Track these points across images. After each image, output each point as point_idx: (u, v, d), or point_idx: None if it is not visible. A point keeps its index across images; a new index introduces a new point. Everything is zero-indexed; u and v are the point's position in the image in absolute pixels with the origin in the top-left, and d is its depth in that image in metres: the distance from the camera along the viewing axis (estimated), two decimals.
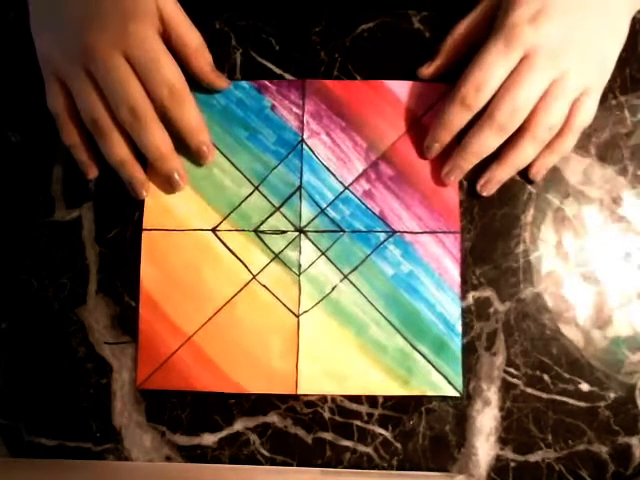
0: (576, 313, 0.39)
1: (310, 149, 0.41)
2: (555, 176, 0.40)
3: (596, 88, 0.37)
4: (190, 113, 0.37)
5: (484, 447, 0.38)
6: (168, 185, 0.40)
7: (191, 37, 0.38)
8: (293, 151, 0.41)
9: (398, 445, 0.38)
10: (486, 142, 0.37)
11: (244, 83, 0.41)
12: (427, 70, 0.40)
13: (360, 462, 0.38)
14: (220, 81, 0.40)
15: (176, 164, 0.39)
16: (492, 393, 0.38)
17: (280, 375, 0.38)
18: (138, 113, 0.36)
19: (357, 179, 0.40)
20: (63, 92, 0.38)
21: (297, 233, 0.40)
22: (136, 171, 0.39)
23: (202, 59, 0.39)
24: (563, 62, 0.35)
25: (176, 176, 0.39)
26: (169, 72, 0.36)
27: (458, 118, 0.37)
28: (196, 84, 0.40)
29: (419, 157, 0.40)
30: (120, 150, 0.37)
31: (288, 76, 0.42)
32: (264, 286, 0.39)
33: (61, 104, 0.38)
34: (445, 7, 0.41)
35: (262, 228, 0.40)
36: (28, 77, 0.40)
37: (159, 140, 0.37)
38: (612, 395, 0.38)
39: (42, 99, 0.39)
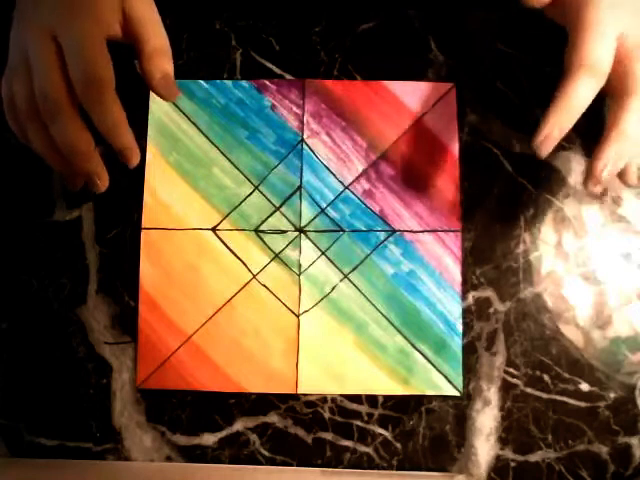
0: (576, 313, 0.39)
1: (310, 149, 0.41)
2: (555, 176, 0.40)
3: None
4: (108, 113, 0.33)
5: (484, 447, 0.38)
6: (79, 183, 0.37)
7: (151, 38, 0.35)
8: (293, 151, 0.41)
9: (398, 445, 0.38)
10: (582, 91, 0.32)
11: (244, 83, 0.41)
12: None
13: (360, 462, 0.38)
14: (166, 92, 0.36)
15: (93, 165, 0.35)
16: (492, 393, 0.38)
17: (280, 375, 0.39)
18: (49, 103, 0.33)
19: (357, 179, 0.40)
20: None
21: (297, 233, 0.40)
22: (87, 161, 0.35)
23: (155, 63, 0.35)
24: None
25: (95, 178, 0.35)
26: (90, 65, 0.33)
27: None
28: (195, 82, 0.40)
29: (419, 156, 0.40)
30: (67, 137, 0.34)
31: (288, 76, 0.42)
32: (264, 286, 0.39)
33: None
34: (445, 7, 0.42)
35: (262, 228, 0.40)
36: None
37: (72, 135, 0.34)
38: (612, 395, 0.38)
39: None
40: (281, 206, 0.40)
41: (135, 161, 0.36)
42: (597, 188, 0.34)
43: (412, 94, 0.41)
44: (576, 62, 0.32)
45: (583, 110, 0.32)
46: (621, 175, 0.35)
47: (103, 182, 0.35)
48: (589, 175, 0.33)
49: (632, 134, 0.33)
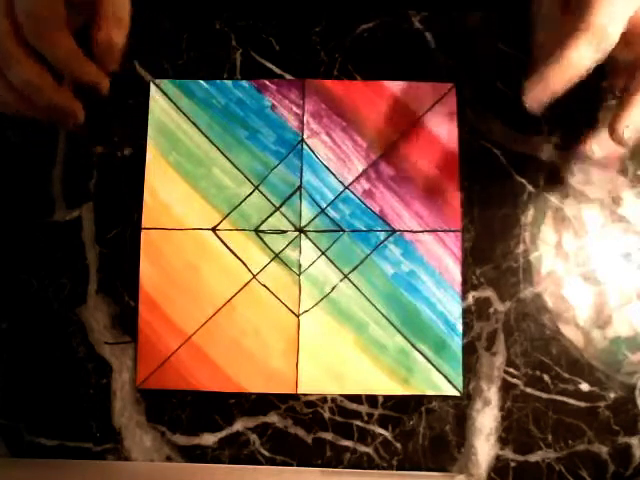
0: (576, 313, 0.39)
1: (310, 149, 0.41)
2: (555, 176, 0.40)
3: None
4: (57, 48, 0.32)
5: (484, 447, 0.38)
6: (62, 122, 0.35)
7: (106, 3, 0.33)
8: (293, 151, 0.41)
9: (398, 445, 0.38)
10: (583, 55, 0.31)
11: (244, 82, 0.41)
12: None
13: (360, 462, 0.38)
14: (104, 60, 0.34)
15: (61, 99, 0.33)
16: (492, 393, 0.38)
17: (280, 375, 0.38)
18: None
19: (357, 179, 0.40)
20: None
21: (297, 233, 0.40)
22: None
23: (103, 29, 0.33)
24: None
25: (69, 112, 0.34)
26: (32, 2, 0.31)
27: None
28: (195, 82, 0.40)
29: (419, 156, 0.40)
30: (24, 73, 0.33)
31: (288, 76, 0.42)
32: (264, 286, 0.39)
33: None
34: (445, 7, 0.42)
35: (262, 228, 0.40)
36: None
37: (26, 75, 0.32)
38: (612, 395, 0.38)
39: None
40: (281, 206, 0.40)
41: (105, 86, 0.34)
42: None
43: (412, 94, 0.41)
44: (581, 25, 0.31)
45: (578, 75, 0.32)
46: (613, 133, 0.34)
47: (79, 114, 0.34)
48: (612, 133, 0.33)
49: None
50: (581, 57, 0.31)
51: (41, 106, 0.34)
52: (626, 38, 0.32)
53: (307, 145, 0.41)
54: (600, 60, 0.32)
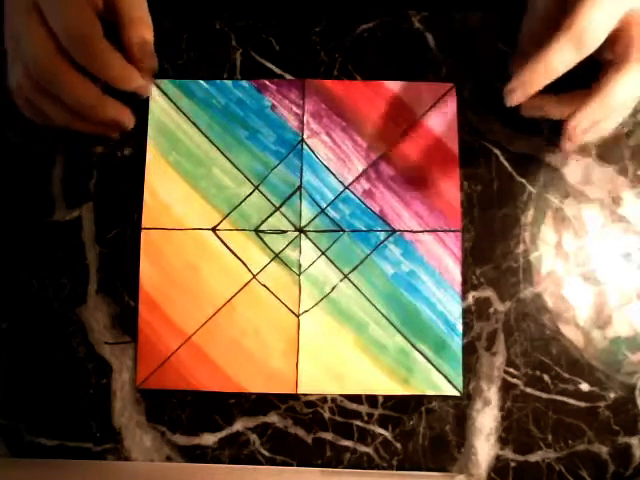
0: (576, 313, 0.39)
1: (310, 149, 0.41)
2: (555, 176, 0.40)
3: None
4: (102, 62, 0.33)
5: (484, 447, 0.38)
6: (112, 132, 0.37)
7: (130, 8, 0.35)
8: (293, 151, 0.41)
9: (398, 445, 0.38)
10: (562, 56, 0.32)
11: (244, 82, 0.41)
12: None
13: (360, 462, 0.38)
14: (145, 60, 0.36)
15: (111, 111, 0.35)
16: (492, 393, 0.38)
17: (280, 375, 0.38)
18: (44, 71, 0.33)
19: (357, 179, 0.40)
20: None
21: (297, 233, 0.40)
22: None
23: (134, 31, 0.35)
24: None
25: (120, 121, 0.36)
26: (72, 22, 0.32)
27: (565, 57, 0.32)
28: (195, 82, 0.40)
29: (419, 156, 0.40)
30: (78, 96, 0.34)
31: (288, 76, 0.42)
32: (264, 286, 0.39)
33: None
34: (445, 7, 0.41)
35: (262, 228, 0.40)
36: None
37: (76, 92, 0.34)
38: (612, 395, 0.38)
39: None
40: (281, 206, 0.40)
41: (149, 91, 0.37)
42: (571, 145, 0.34)
43: (412, 94, 0.41)
44: (564, 26, 0.32)
45: (556, 75, 0.32)
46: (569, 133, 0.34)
47: (129, 121, 0.37)
48: (565, 131, 0.34)
49: (618, 98, 0.33)
50: (561, 59, 0.32)
51: (95, 121, 0.35)
52: (610, 38, 0.32)
53: (307, 145, 0.41)
54: (579, 61, 0.32)
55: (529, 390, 0.38)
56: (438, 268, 0.39)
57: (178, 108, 0.41)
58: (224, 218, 0.40)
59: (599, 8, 0.31)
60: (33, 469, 0.38)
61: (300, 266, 0.40)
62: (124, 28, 0.35)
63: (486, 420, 0.38)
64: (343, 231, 0.40)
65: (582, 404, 0.38)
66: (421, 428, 0.38)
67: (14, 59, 0.35)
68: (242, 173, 0.40)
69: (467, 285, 0.39)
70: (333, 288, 0.39)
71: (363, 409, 0.39)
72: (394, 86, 0.41)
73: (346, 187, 0.40)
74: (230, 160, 0.41)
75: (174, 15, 0.42)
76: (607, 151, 0.41)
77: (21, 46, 0.34)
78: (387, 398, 0.39)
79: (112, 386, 0.39)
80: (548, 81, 0.33)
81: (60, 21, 0.33)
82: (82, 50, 0.33)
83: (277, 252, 0.40)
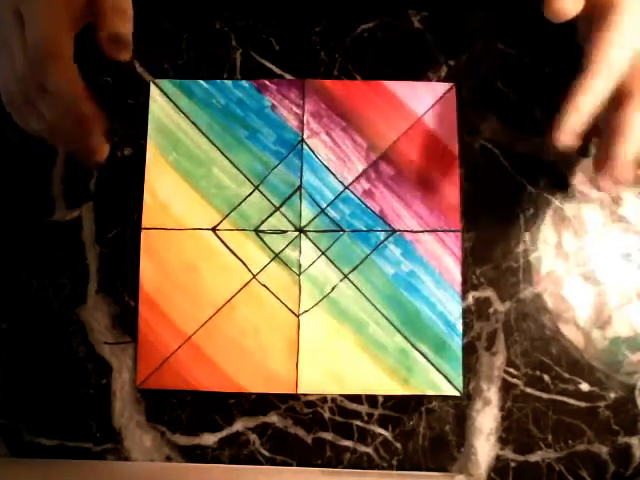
0: (576, 313, 0.39)
1: (310, 149, 0.41)
2: (555, 176, 0.40)
3: None
4: (60, 88, 0.31)
5: (484, 447, 0.38)
6: (86, 159, 0.34)
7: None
8: (293, 151, 0.41)
9: (398, 445, 0.38)
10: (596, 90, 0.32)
11: (244, 82, 0.41)
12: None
13: (360, 462, 0.38)
14: (113, 51, 0.33)
15: (85, 139, 0.33)
16: (492, 393, 0.38)
17: (280, 375, 0.38)
18: (27, 79, 0.32)
19: (357, 179, 0.40)
20: None
21: (297, 233, 0.40)
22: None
23: (107, 21, 0.32)
24: None
25: (90, 147, 0.33)
26: (40, 39, 0.31)
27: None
28: (195, 82, 0.40)
29: (419, 156, 0.40)
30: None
31: (288, 76, 0.42)
32: (264, 286, 0.39)
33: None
34: (445, 7, 0.42)
35: (262, 228, 0.40)
36: None
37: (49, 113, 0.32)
38: (612, 395, 0.38)
39: None
40: (281, 206, 0.40)
41: (102, 154, 0.33)
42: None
43: (412, 94, 0.41)
44: (596, 59, 0.32)
45: (597, 105, 0.32)
46: (615, 171, 0.33)
47: (100, 155, 0.33)
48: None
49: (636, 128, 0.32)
50: (595, 90, 0.32)
51: (67, 143, 0.34)
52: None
53: (307, 145, 0.41)
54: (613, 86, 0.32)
55: (529, 390, 0.38)
56: (438, 268, 0.39)
57: (178, 108, 0.41)
58: (224, 218, 0.40)
59: (620, 37, 0.32)
60: (33, 469, 0.38)
61: (300, 266, 0.40)
62: (99, 17, 0.32)
63: (486, 420, 0.38)
64: (343, 231, 0.40)
65: (582, 404, 0.38)
66: (421, 428, 0.38)
67: (1, 54, 0.34)
68: (242, 173, 0.40)
69: (467, 285, 0.39)
70: (333, 288, 0.39)
71: (363, 409, 0.39)
72: (394, 86, 0.41)
73: (346, 187, 0.40)
74: (230, 160, 0.41)
75: (174, 15, 0.42)
76: None
77: (7, 46, 0.32)
78: (387, 398, 0.39)
79: (112, 386, 0.39)
80: (589, 114, 0.32)
81: (30, 34, 0.31)
82: (41, 69, 0.31)
83: (277, 252, 0.40)
